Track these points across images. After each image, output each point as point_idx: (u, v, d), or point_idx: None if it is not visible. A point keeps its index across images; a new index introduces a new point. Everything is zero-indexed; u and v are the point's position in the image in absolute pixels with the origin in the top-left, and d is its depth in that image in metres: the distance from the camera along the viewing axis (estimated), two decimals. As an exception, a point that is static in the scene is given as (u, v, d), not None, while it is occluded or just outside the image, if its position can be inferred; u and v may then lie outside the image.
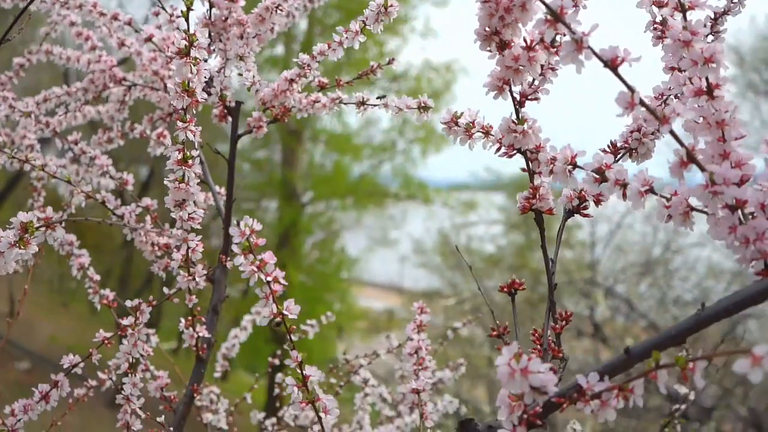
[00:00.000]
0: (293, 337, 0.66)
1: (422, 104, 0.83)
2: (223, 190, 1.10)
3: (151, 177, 10.21)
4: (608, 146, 0.69)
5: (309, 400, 0.65)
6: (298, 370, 0.65)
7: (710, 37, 0.72)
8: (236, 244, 0.61)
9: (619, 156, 0.69)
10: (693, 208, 0.55)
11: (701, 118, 0.55)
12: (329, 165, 12.02)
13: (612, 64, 0.51)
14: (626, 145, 0.69)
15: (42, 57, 1.31)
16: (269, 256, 0.63)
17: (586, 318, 5.82)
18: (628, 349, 0.52)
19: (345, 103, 0.99)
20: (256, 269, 0.62)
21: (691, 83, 0.56)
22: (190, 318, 0.97)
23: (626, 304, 6.09)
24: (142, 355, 0.97)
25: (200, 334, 0.98)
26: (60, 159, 1.26)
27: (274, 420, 1.35)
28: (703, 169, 0.52)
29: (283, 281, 0.63)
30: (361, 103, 0.97)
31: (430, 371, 0.97)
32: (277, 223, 11.28)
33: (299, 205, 11.39)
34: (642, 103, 0.51)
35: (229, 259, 0.96)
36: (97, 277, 1.10)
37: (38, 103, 1.20)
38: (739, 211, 0.53)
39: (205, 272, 0.91)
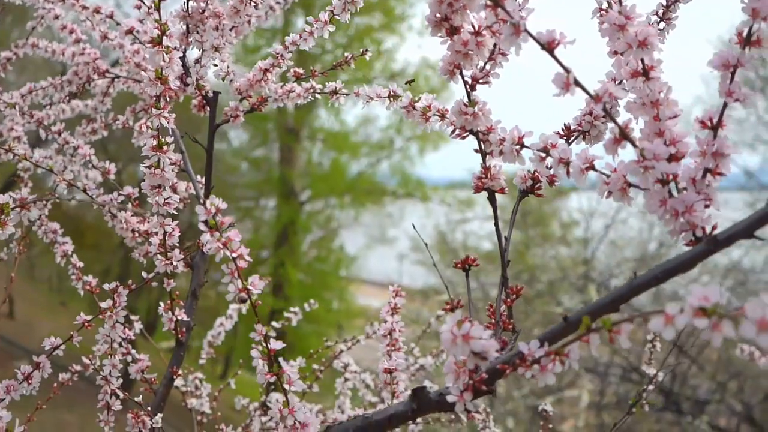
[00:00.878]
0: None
1: (392, 93, 0.86)
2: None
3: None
4: (562, 129, 0.72)
5: (273, 372, 0.68)
6: (263, 344, 0.68)
7: (662, 24, 0.75)
8: (202, 222, 0.64)
9: (572, 138, 0.72)
10: (630, 184, 0.58)
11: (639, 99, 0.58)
12: (327, 163, 12.05)
13: (549, 46, 0.54)
14: (579, 128, 0.72)
15: (29, 50, 1.34)
16: (234, 234, 0.66)
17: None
18: (566, 318, 0.55)
19: (319, 93, 1.02)
20: (221, 246, 0.65)
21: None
22: (168, 302, 0.99)
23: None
24: (123, 339, 1.00)
25: (179, 318, 1.01)
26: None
27: (256, 404, 1.39)
28: (635, 146, 0.55)
29: (248, 258, 0.66)
30: (334, 92, 1.00)
31: (402, 352, 1.00)
32: (275, 222, 11.31)
33: (297, 203, 11.42)
34: (576, 83, 0.54)
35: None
36: (80, 264, 1.13)
37: (23, 95, 1.23)
38: (673, 185, 0.56)
39: (182, 256, 0.94)
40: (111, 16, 1.13)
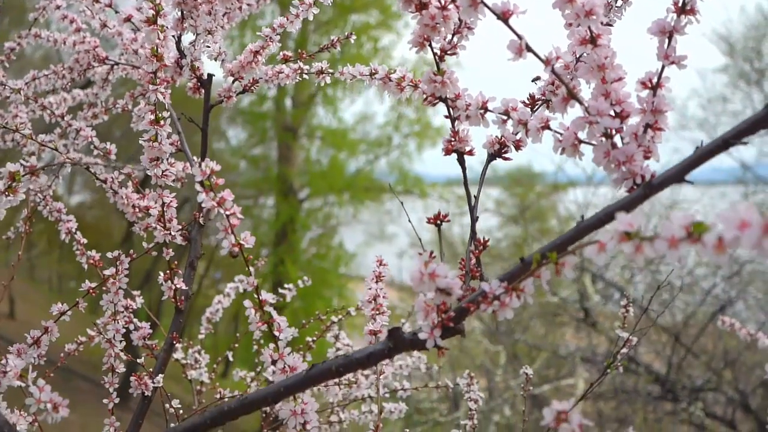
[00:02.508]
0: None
1: (373, 71, 0.92)
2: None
3: (148, 176, 10.29)
4: (527, 98, 0.79)
5: (264, 320, 0.74)
6: (255, 295, 0.75)
7: (619, 1, 0.82)
8: (198, 182, 0.71)
9: (537, 106, 0.78)
10: (581, 141, 0.64)
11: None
12: (325, 161, 12.11)
13: (504, 16, 0.60)
14: (543, 97, 0.78)
15: (31, 41, 1.40)
16: (228, 194, 0.72)
17: (576, 303, 5.93)
18: (522, 258, 0.62)
19: (306, 73, 1.08)
20: (216, 204, 0.72)
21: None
22: (168, 271, 1.06)
23: (617, 290, 6.19)
24: (125, 307, 1.07)
25: (178, 287, 1.07)
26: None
27: (252, 374, 1.45)
28: (581, 104, 0.61)
29: (240, 216, 0.73)
30: (320, 72, 1.06)
31: (386, 316, 1.07)
32: (274, 220, 11.38)
33: (296, 201, 11.48)
34: (528, 48, 0.60)
35: (202, 215, 1.05)
36: (84, 241, 1.19)
37: (27, 82, 1.29)
38: (619, 139, 0.62)
39: (180, 227, 1.01)
40: (110, 5, 1.20)
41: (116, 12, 1.18)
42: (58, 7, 1.30)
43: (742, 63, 9.27)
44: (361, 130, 12.45)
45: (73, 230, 1.21)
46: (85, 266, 1.17)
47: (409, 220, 1.02)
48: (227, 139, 11.83)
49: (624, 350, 1.14)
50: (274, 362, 0.74)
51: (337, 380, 1.30)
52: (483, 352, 7.22)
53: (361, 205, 12.25)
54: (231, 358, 1.49)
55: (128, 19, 1.14)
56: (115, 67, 1.30)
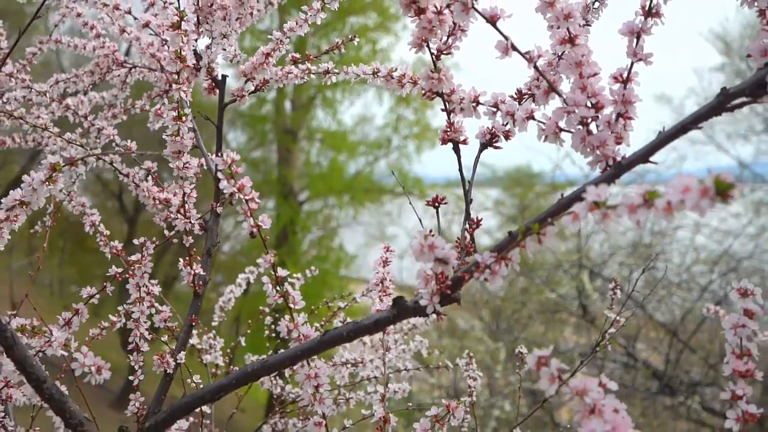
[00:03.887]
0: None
1: (376, 70, 1.01)
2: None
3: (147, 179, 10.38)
4: (515, 92, 0.87)
5: (281, 294, 0.83)
6: (272, 272, 0.83)
7: (596, 4, 0.90)
8: (220, 170, 0.79)
9: (524, 100, 0.87)
10: (561, 128, 0.73)
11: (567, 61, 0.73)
12: (325, 163, 12.20)
13: (492, 19, 0.69)
14: (529, 91, 0.86)
15: (52, 46, 1.49)
16: (247, 180, 0.81)
17: (574, 300, 6.01)
18: (510, 232, 0.70)
19: (313, 73, 1.17)
20: (237, 190, 0.80)
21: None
22: (187, 258, 1.14)
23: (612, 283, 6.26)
24: (147, 292, 1.15)
25: (196, 272, 1.16)
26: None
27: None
28: (560, 96, 0.70)
29: (258, 200, 0.81)
30: (327, 72, 1.15)
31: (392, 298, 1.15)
32: (275, 222, 11.45)
33: (296, 203, 11.56)
34: (513, 47, 0.69)
35: (220, 205, 1.14)
36: (107, 232, 1.27)
37: (50, 85, 1.38)
38: (594, 127, 0.71)
39: (199, 216, 1.09)
40: (129, 12, 1.28)
41: (135, 18, 1.27)
42: (78, 15, 1.38)
43: (739, 62, 9.37)
44: (360, 131, 12.54)
45: (97, 223, 1.30)
46: (109, 256, 1.25)
47: (416, 212, 1.10)
48: (227, 142, 11.90)
49: (612, 330, 1.23)
50: (289, 332, 0.82)
51: (345, 361, 1.39)
52: (483, 350, 7.30)
53: (361, 207, 12.33)
54: (243, 343, 1.57)
55: (146, 25, 1.23)
56: (133, 69, 1.39)
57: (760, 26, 0.63)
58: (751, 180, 8.87)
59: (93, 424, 0.77)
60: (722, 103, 0.63)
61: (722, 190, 0.46)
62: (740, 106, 0.63)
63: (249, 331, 1.65)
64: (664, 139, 0.64)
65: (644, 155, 0.65)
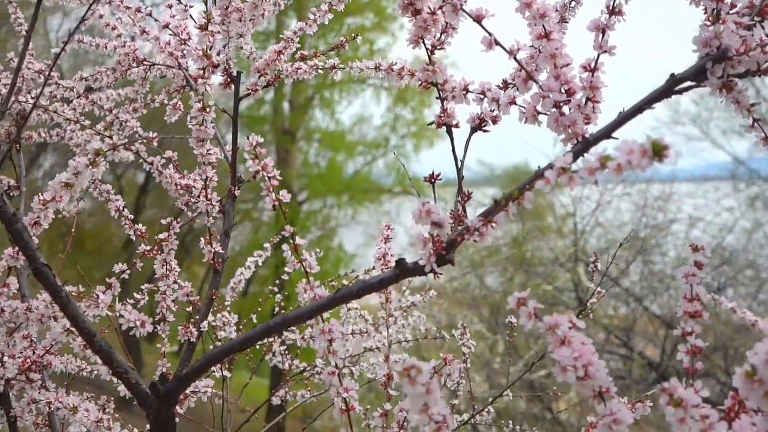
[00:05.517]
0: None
1: (377, 65, 1.13)
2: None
3: (147, 181, 10.52)
4: (502, 82, 0.99)
5: (298, 259, 0.95)
6: (291, 241, 0.95)
7: (572, 3, 1.02)
8: (247, 151, 0.91)
9: (508, 88, 0.99)
10: (538, 111, 0.85)
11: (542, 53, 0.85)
12: (324, 163, 12.32)
13: (478, 18, 0.81)
14: (512, 81, 0.98)
15: (75, 46, 1.60)
16: (269, 161, 0.93)
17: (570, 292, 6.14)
18: (496, 200, 0.82)
19: (321, 69, 1.29)
20: (260, 169, 0.92)
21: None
22: (208, 237, 1.26)
23: (611, 279, 6.40)
24: (170, 269, 1.27)
25: (216, 250, 1.27)
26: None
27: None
28: (536, 82, 0.82)
29: (278, 177, 0.93)
30: (333, 68, 1.27)
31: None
32: (274, 223, 11.57)
33: (295, 203, 11.67)
34: (496, 42, 0.81)
35: (237, 189, 1.26)
36: (131, 216, 1.39)
37: (76, 80, 1.50)
38: (567, 109, 0.83)
39: (219, 198, 1.21)
40: (150, 14, 1.40)
41: (156, 20, 1.39)
42: (101, 16, 1.50)
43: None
44: (358, 131, 12.66)
45: (121, 208, 1.41)
46: (134, 237, 1.37)
47: (419, 196, 1.23)
48: (225, 143, 12.02)
49: (593, 300, 1.34)
50: (305, 291, 0.94)
51: (351, 331, 1.51)
52: (483, 345, 7.44)
53: (359, 207, 12.45)
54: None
55: (166, 26, 1.34)
56: (152, 67, 1.51)
57: (702, 22, 0.75)
58: (747, 176, 9.01)
59: (135, 372, 0.89)
60: (671, 87, 0.75)
61: (658, 151, 0.58)
62: (687, 89, 0.75)
63: (260, 309, 1.77)
64: (623, 118, 0.76)
65: (606, 133, 0.77)
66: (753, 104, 0.76)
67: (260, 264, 1.75)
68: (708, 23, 0.75)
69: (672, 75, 0.75)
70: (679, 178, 8.82)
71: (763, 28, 0.76)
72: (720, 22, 0.74)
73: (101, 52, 1.55)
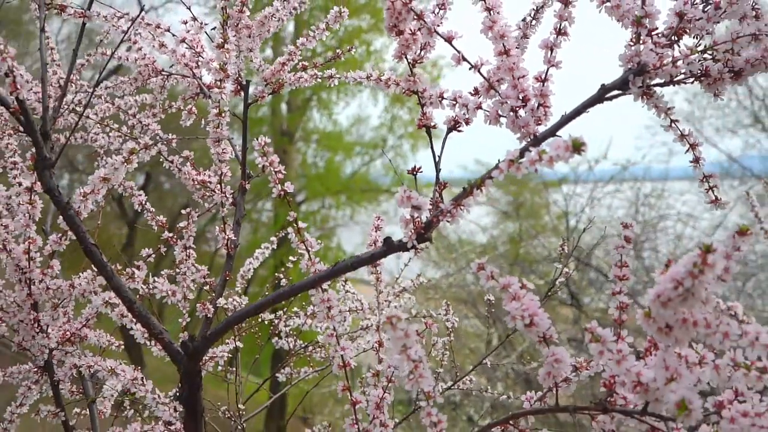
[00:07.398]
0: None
1: (369, 75, 1.31)
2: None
3: (147, 182, 10.69)
4: (473, 89, 1.17)
5: (300, 240, 1.13)
6: (295, 224, 1.13)
7: (534, 21, 1.21)
8: (256, 149, 1.09)
9: (478, 95, 1.17)
10: (500, 115, 1.03)
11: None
12: (322, 164, 12.48)
13: (449, 39, 0.99)
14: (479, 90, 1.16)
15: (98, 58, 1.79)
16: (276, 157, 1.11)
17: (563, 287, 6.33)
18: (465, 187, 1.00)
19: (321, 78, 1.47)
20: (268, 164, 1.10)
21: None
22: (222, 225, 1.45)
23: (601, 274, 6.59)
24: (188, 255, 1.45)
25: (230, 237, 1.46)
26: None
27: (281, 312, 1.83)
28: (496, 91, 1.00)
29: (283, 171, 1.11)
30: (331, 77, 1.45)
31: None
32: (273, 223, 11.74)
33: (294, 204, 11.82)
34: (463, 58, 0.99)
35: (247, 183, 1.44)
36: (153, 210, 1.57)
37: (102, 88, 1.68)
38: (522, 113, 1.01)
39: (232, 191, 1.39)
40: (168, 30, 1.58)
41: (173, 35, 1.57)
42: (124, 32, 1.68)
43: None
44: (355, 132, 12.83)
45: (144, 202, 1.59)
46: (155, 228, 1.55)
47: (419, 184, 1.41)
48: (226, 145, 12.18)
49: (561, 279, 1.52)
50: (308, 267, 1.12)
51: (348, 308, 1.69)
52: (478, 340, 7.61)
53: (358, 207, 12.60)
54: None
55: (183, 41, 1.53)
56: (169, 77, 1.69)
57: (626, 42, 0.94)
58: (740, 174, 9.20)
59: (168, 334, 1.07)
60: (602, 95, 0.93)
61: (577, 147, 0.76)
62: (616, 96, 0.94)
63: (267, 293, 1.94)
64: (564, 120, 0.94)
65: (551, 132, 0.96)
66: (669, 108, 0.95)
67: (267, 255, 1.93)
68: (631, 43, 0.93)
69: (602, 85, 0.93)
70: (672, 177, 9.02)
71: (678, 46, 0.94)
72: (640, 42, 0.92)
73: (123, 63, 1.73)
